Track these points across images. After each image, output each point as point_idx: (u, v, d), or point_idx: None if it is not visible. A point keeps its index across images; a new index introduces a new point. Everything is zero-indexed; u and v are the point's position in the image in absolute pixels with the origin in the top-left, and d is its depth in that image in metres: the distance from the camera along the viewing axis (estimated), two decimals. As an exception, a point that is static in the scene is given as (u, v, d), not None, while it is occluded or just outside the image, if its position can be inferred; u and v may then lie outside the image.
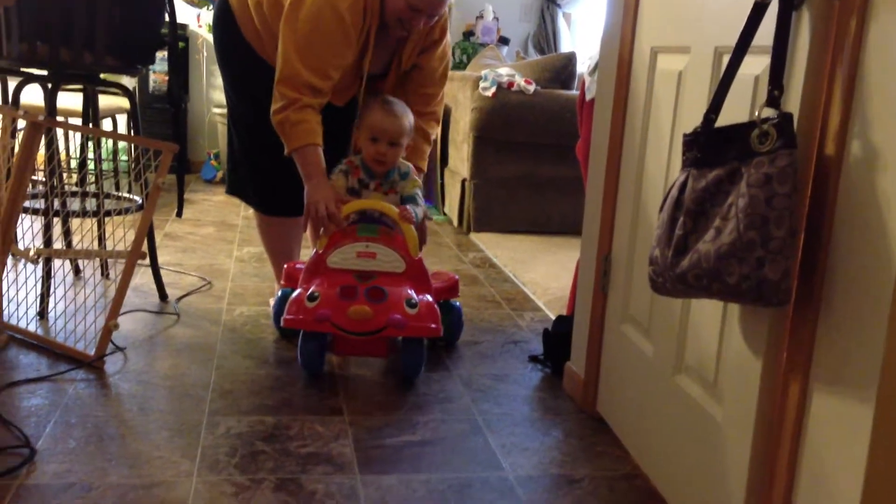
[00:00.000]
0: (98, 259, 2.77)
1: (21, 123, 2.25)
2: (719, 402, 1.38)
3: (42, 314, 2.36)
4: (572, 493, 1.60)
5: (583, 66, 4.02)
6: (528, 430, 1.86)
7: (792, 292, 1.16)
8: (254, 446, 1.68)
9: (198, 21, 5.05)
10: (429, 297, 2.06)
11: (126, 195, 2.88)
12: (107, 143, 4.04)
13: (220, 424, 1.77)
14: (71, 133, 3.34)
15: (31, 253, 2.22)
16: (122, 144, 3.99)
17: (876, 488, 1.05)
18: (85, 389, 1.91)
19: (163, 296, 2.60)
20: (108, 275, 2.80)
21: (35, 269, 2.48)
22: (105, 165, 3.78)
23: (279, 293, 2.31)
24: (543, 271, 3.21)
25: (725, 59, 1.27)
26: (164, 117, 4.74)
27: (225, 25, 2.32)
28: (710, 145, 1.22)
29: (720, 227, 1.16)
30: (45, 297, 2.37)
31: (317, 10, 2.07)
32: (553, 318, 2.50)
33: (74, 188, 2.74)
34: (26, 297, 2.34)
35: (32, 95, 2.61)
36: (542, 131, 3.87)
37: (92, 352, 2.07)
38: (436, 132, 2.46)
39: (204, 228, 3.66)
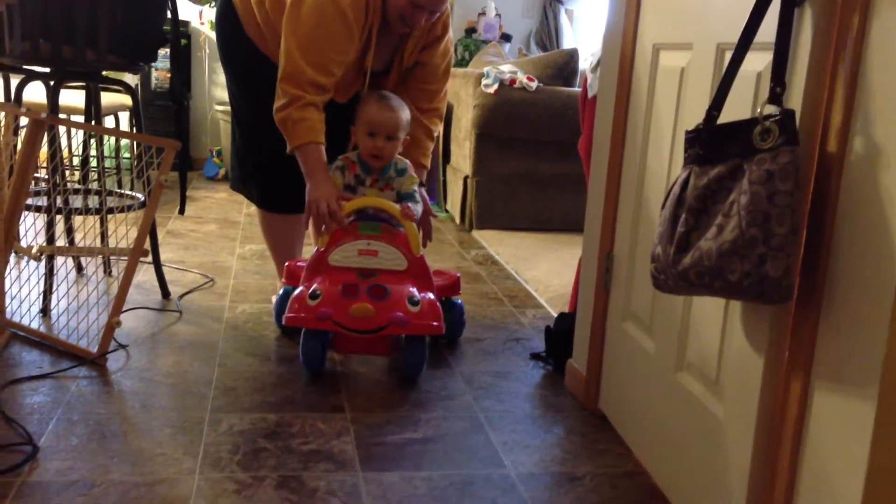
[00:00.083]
0: (100, 256, 2.78)
1: (24, 121, 2.26)
2: (721, 400, 1.38)
3: (45, 311, 2.36)
4: (574, 490, 1.60)
5: (585, 63, 4.02)
6: (529, 427, 1.86)
7: (794, 289, 1.16)
8: (256, 443, 1.68)
9: (200, 18, 5.05)
10: (431, 295, 2.06)
11: (128, 192, 2.88)
12: (109, 141, 4.04)
13: (223, 422, 1.77)
14: (73, 130, 3.34)
15: (34, 250, 2.23)
16: (124, 142, 3.99)
17: (877, 485, 1.05)
18: (87, 387, 1.91)
19: (165, 293, 2.60)
20: (110, 272, 2.80)
21: (38, 267, 2.48)
22: (107, 163, 3.78)
23: (281, 291, 2.31)
24: (545, 268, 3.21)
25: (727, 56, 1.26)
26: (166, 114, 4.75)
27: (228, 23, 2.32)
28: (712, 142, 1.22)
29: (722, 225, 1.16)
30: (47, 294, 2.37)
31: (319, 7, 2.07)
32: (555, 315, 2.50)
33: (77, 185, 2.74)
34: (29, 294, 2.34)
35: (35, 93, 2.62)
36: (545, 128, 3.87)
37: (94, 349, 2.07)
38: (439, 129, 2.46)
39: (206, 226, 3.66)
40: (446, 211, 4.40)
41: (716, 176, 1.19)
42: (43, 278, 2.39)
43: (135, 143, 3.40)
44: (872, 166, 1.05)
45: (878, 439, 1.03)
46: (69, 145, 3.38)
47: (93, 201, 2.78)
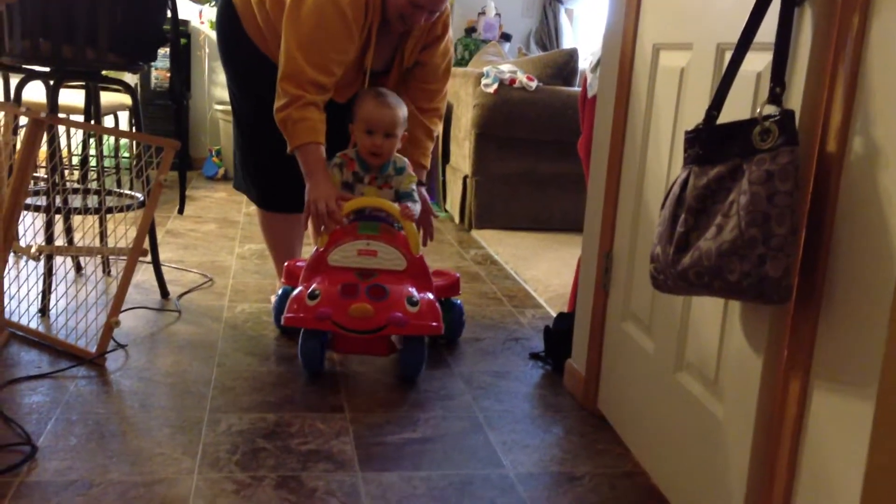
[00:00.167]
0: (99, 256, 2.78)
1: (23, 120, 2.25)
2: (720, 400, 1.38)
3: (43, 311, 2.36)
4: (573, 490, 1.60)
5: (585, 63, 4.03)
6: (528, 427, 1.86)
7: (793, 290, 1.15)
8: (255, 443, 1.68)
9: (200, 17, 5.05)
10: (430, 295, 2.06)
11: (128, 192, 2.88)
12: (108, 140, 4.04)
13: (222, 421, 1.77)
14: (73, 130, 3.34)
15: (33, 250, 2.22)
16: (123, 141, 3.99)
17: (876, 485, 1.05)
18: (86, 386, 1.91)
19: (164, 293, 2.60)
20: (109, 272, 2.80)
21: (36, 266, 2.48)
22: (107, 162, 3.78)
23: (280, 290, 2.31)
24: (545, 268, 3.21)
25: (727, 56, 1.26)
26: (165, 114, 4.75)
27: (228, 22, 2.32)
28: (711, 142, 1.22)
29: (721, 225, 1.16)
30: (46, 294, 2.37)
31: (319, 7, 2.07)
32: (554, 315, 2.50)
33: (76, 185, 2.74)
34: (28, 294, 2.34)
35: (34, 92, 2.62)
36: (544, 128, 3.87)
37: (93, 349, 2.07)
38: (439, 129, 2.46)
39: (205, 225, 3.66)
40: (446, 211, 4.40)
41: (715, 176, 1.19)
42: (42, 278, 2.39)
43: (134, 142, 3.40)
44: (872, 166, 1.05)
45: (877, 439, 1.03)
46: (68, 145, 3.38)
47: (92, 201, 2.77)
